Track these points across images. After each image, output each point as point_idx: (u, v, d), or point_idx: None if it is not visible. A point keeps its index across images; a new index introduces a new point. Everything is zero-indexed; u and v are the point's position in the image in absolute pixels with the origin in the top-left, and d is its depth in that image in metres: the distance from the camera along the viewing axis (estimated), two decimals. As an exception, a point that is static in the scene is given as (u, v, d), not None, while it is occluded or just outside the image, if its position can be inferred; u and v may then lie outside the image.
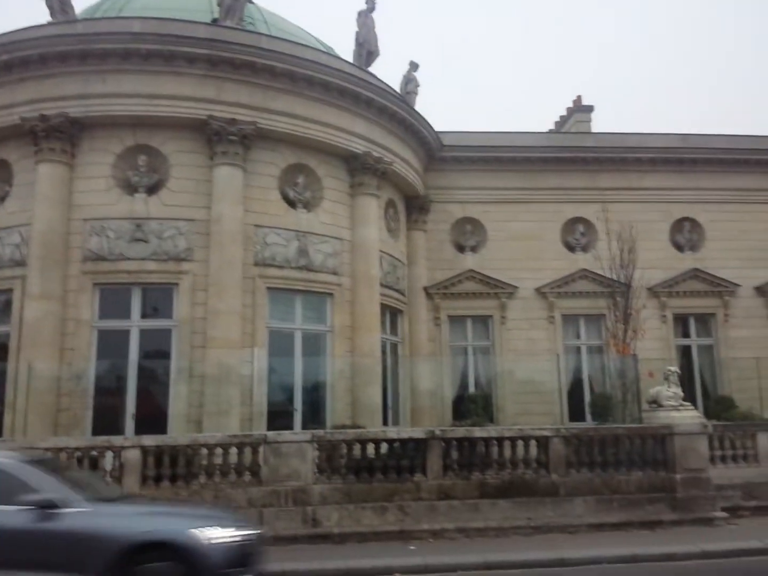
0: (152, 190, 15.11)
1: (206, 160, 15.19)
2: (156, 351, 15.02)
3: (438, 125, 19.41)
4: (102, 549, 6.73)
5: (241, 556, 7.27)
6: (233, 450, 11.52)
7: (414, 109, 18.51)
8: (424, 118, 18.62)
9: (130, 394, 14.31)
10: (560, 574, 9.19)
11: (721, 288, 20.55)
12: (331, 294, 16.27)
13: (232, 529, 7.40)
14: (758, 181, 21.10)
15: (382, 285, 17.21)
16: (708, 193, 20.92)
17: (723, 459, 13.62)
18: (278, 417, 14.92)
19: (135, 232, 14.75)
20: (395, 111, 17.49)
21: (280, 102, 15.66)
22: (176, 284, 14.82)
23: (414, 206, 19.92)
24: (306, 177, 16.32)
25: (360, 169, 16.86)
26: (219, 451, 11.47)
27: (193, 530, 7.06)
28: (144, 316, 14.94)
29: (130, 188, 15.04)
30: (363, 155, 16.75)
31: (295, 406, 15.28)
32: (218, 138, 15.00)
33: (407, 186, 19.08)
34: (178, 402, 14.27)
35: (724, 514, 12.24)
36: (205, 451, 11.50)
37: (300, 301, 15.95)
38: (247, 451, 11.53)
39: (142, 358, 14.67)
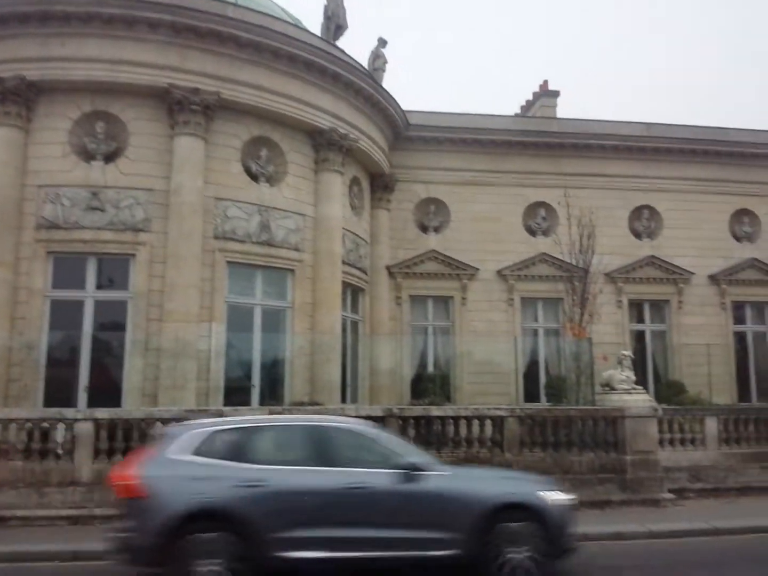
0: (110, 158, 14.71)
1: (167, 130, 14.83)
2: (111, 323, 14.71)
3: (405, 105, 19.31)
4: (467, 509, 7.16)
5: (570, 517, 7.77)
6: (188, 425, 11.38)
7: (381, 86, 18.35)
8: (391, 96, 18.48)
9: (84, 366, 14.02)
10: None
11: (676, 275, 21.02)
12: (292, 270, 16.14)
13: (560, 492, 7.93)
14: (716, 171, 21.54)
15: (344, 263, 17.14)
16: (668, 182, 21.30)
17: (671, 442, 13.99)
18: (236, 393, 14.81)
19: (91, 200, 14.37)
20: (362, 87, 17.30)
21: (245, 73, 15.34)
22: (133, 255, 14.52)
23: (379, 184, 19.83)
24: (270, 151, 16.08)
25: (325, 144, 16.68)
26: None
27: (541, 493, 7.65)
28: (99, 287, 14.61)
29: (87, 155, 14.62)
30: (328, 131, 16.56)
31: (253, 382, 15.18)
32: (180, 107, 14.65)
33: (372, 164, 18.96)
34: (132, 375, 14.04)
35: (671, 496, 12.61)
36: (160, 425, 11.34)
37: (260, 277, 15.78)
38: (203, 426, 11.40)
39: (96, 330, 14.38)
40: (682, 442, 14.14)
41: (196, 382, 14.09)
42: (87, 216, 14.30)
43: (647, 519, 10.96)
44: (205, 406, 13.27)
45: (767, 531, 10.31)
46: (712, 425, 14.28)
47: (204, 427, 7.55)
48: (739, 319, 21.54)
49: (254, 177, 15.85)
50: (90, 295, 14.37)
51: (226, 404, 13.75)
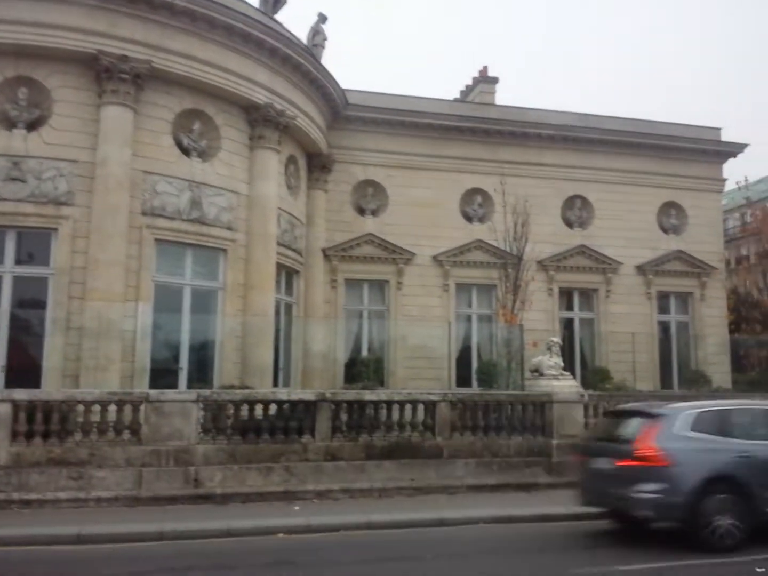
0: (33, 126, 13.97)
1: (94, 99, 14.15)
2: (30, 300, 14.05)
3: (344, 84, 19.02)
4: None
5: None
6: (112, 407, 11.00)
7: (320, 63, 17.98)
8: (329, 73, 18.15)
9: (1, 345, 13.37)
10: (439, 533, 9.42)
11: (605, 265, 21.57)
12: (224, 250, 15.71)
13: None
14: (646, 164, 22.14)
15: (279, 243, 16.80)
16: (600, 173, 21.77)
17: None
18: (162, 375, 14.36)
19: (11, 170, 13.61)
20: (300, 63, 16.92)
21: (179, 42, 14.75)
22: (55, 229, 13.83)
23: (316, 164, 19.51)
24: (202, 124, 15.55)
25: (261, 120, 16.25)
26: (97, 408, 10.91)
27: None
28: (18, 262, 13.90)
29: (8, 123, 13.85)
30: (264, 106, 16.13)
31: (180, 364, 14.74)
32: (108, 75, 13.98)
33: (310, 143, 18.62)
34: (53, 355, 13.42)
35: (594, 478, 12.94)
36: (81, 407, 10.92)
37: (191, 256, 15.29)
38: (128, 409, 11.05)
39: (14, 307, 13.73)
40: (607, 426, 14.49)
41: (120, 363, 13.59)
42: (6, 187, 13.54)
43: (571, 501, 11.19)
44: (130, 389, 12.82)
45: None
46: (635, 410, 14.68)
47: (692, 409, 9.00)
48: (663, 309, 22.32)
49: (186, 151, 15.30)
50: (8, 270, 13.64)
51: (152, 387, 13.29)
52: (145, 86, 14.44)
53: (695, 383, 19.93)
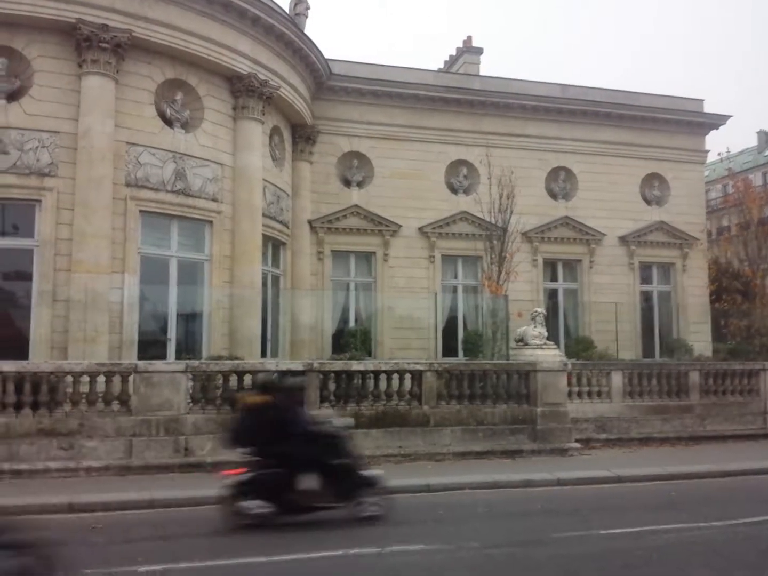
0: (13, 96, 13.76)
1: (75, 68, 13.94)
2: (16, 272, 14.00)
3: (328, 54, 18.83)
4: None
5: None
6: (101, 378, 11.04)
7: (303, 32, 17.78)
8: (313, 43, 17.96)
9: (-13, 317, 13.30)
10: (426, 498, 9.64)
11: (588, 236, 21.75)
12: (210, 221, 15.66)
13: None
14: (629, 136, 22.24)
15: (264, 215, 16.77)
16: (583, 145, 21.84)
17: (579, 395, 14.65)
18: (151, 346, 14.41)
19: (-7, 141, 13.41)
20: (283, 32, 16.73)
21: (159, 11, 14.51)
22: (39, 201, 13.71)
23: (301, 136, 19.40)
24: (185, 95, 15.39)
25: (244, 91, 16.10)
26: (85, 379, 10.95)
27: None
28: (3, 234, 13.82)
29: (-13, 94, 13.58)
30: (248, 76, 15.97)
31: (168, 335, 14.79)
32: (88, 45, 13.75)
33: (294, 113, 18.49)
34: (40, 327, 13.40)
35: (577, 445, 13.26)
36: (70, 378, 10.95)
37: (176, 227, 15.24)
38: (116, 380, 11.11)
39: (0, 280, 13.59)
40: (590, 394, 14.83)
41: (108, 335, 13.60)
42: (-12, 158, 13.35)
43: (555, 467, 11.48)
44: (118, 360, 12.86)
45: (665, 479, 11.02)
46: (617, 379, 15.01)
47: None
48: (646, 279, 22.62)
49: (169, 122, 15.16)
50: (-7, 242, 13.53)
51: (141, 358, 13.36)
52: (126, 56, 14.24)
53: (676, 352, 20.29)
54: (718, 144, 51.27)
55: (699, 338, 21.64)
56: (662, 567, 6.58)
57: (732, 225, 35.79)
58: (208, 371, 11.69)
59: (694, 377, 15.52)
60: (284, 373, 11.25)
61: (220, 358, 13.61)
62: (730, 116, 23.09)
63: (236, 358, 13.64)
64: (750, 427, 15.69)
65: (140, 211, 14.56)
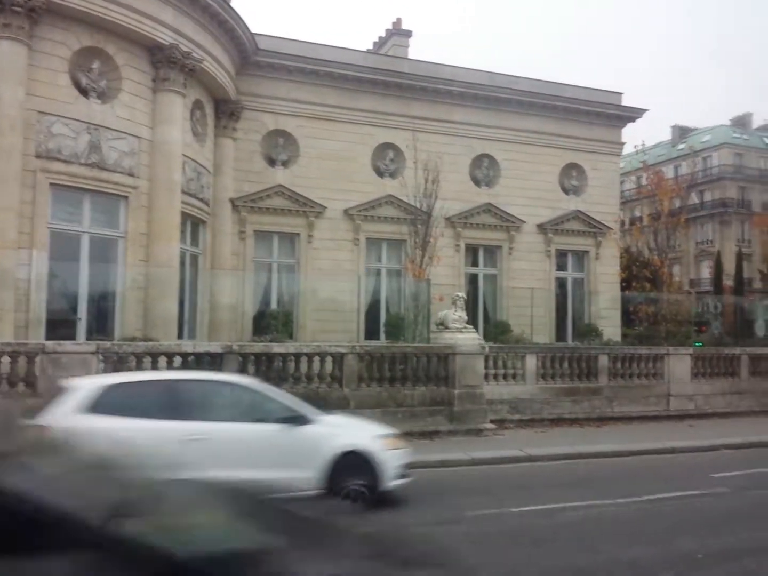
0: None
1: (-18, 31, 13.03)
2: None
3: (255, 29, 18.37)
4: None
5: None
6: (5, 359, 10.53)
7: (229, 5, 17.24)
8: (239, 16, 17.47)
9: None
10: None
11: (509, 223, 22.23)
12: (125, 197, 15.07)
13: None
14: (551, 125, 22.76)
15: (184, 192, 16.27)
16: (507, 133, 22.21)
17: (495, 377, 15.05)
18: (60, 326, 13.78)
19: None
20: (208, 3, 16.19)
21: (76, -27, 13.75)
22: (-61, 171, 12.82)
23: (224, 111, 18.89)
24: (103, 64, 14.70)
25: (165, 62, 15.51)
26: (-12, 359, 10.39)
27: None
28: None
29: None
30: (170, 47, 15.39)
31: (79, 315, 14.19)
32: (0, 8, 12.89)
33: (218, 88, 17.98)
34: (-62, 305, 12.59)
35: (493, 426, 13.65)
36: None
37: (89, 202, 14.59)
38: (22, 360, 10.61)
39: None
40: (505, 377, 15.26)
41: (14, 313, 12.94)
42: None
43: (471, 447, 11.79)
44: (24, 340, 12.26)
45: (574, 458, 11.50)
46: (531, 362, 15.51)
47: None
48: (561, 266, 23.36)
49: (84, 92, 14.45)
50: None
51: (49, 338, 12.76)
52: (40, 21, 13.45)
53: (587, 336, 21.10)
54: (634, 137, 53.28)
55: (609, 323, 22.56)
56: (570, 542, 6.87)
57: (644, 215, 37.36)
58: (121, 353, 11.33)
59: (603, 361, 16.21)
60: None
61: (133, 339, 13.18)
62: (646, 110, 24.01)
63: (151, 340, 13.24)
64: (654, 409, 16.56)
65: (51, 184, 13.85)
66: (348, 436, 8.39)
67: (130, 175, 15.09)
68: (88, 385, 7.71)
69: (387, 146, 20.91)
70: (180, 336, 15.92)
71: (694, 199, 42.75)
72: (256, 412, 8.06)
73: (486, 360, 14.47)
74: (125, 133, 14.99)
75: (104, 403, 7.30)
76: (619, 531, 7.31)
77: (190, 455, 6.45)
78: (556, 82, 23.15)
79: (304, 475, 7.53)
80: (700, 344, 20.78)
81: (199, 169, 17.47)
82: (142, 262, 15.08)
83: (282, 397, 8.47)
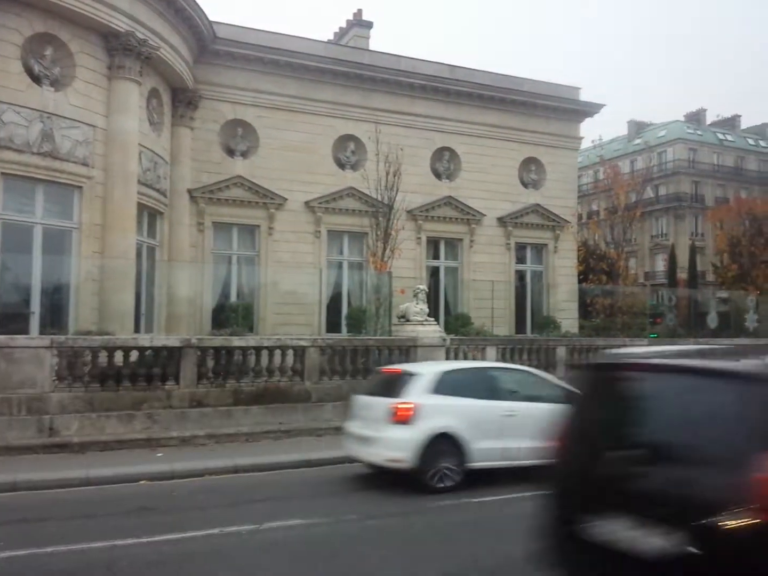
0: None
1: (-75, 13, 12.53)
2: None
3: (213, 16, 18.05)
4: None
5: None
6: (-47, 355, 10.17)
7: (187, -8, 16.92)
8: (197, 3, 17.12)
9: None
10: (305, 473, 9.72)
11: (469, 216, 22.37)
12: (79, 187, 14.68)
13: None
14: (511, 120, 22.96)
15: (140, 182, 15.93)
16: (468, 126, 22.33)
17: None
18: (12, 320, 13.35)
19: None
20: (165, -10, 15.85)
21: (26, -44, 13.30)
22: None
23: (181, 100, 18.53)
24: (56, 51, 14.26)
25: (120, 49, 15.13)
26: (-65, 355, 10.05)
27: None
28: None
29: None
30: (125, 34, 15.01)
31: (31, 308, 13.78)
32: (-57, -13, 12.42)
33: (175, 76, 17.62)
34: None
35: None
36: None
37: (42, 193, 14.18)
38: (-28, 356, 10.26)
39: None
40: (466, 369, 15.32)
41: (-38, 307, 12.53)
42: None
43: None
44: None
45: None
46: (491, 354, 15.63)
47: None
48: (520, 259, 23.63)
49: (37, 79, 14.01)
50: None
51: (1, 333, 12.35)
52: (-11, 4, 12.99)
53: (546, 328, 21.41)
54: (591, 132, 54.22)
55: (567, 315, 22.92)
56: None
57: (601, 209, 38.06)
58: (76, 347, 11.08)
59: (561, 352, 16.47)
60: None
61: (89, 333, 12.86)
62: (603, 105, 24.36)
63: (107, 333, 12.94)
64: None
65: (2, 173, 13.41)
66: None
67: (85, 164, 14.72)
68: (430, 371, 9.29)
69: (348, 138, 20.81)
70: (137, 329, 15.63)
71: (650, 193, 43.65)
72: (540, 392, 9.49)
73: (447, 352, 14.55)
74: (79, 121, 14.60)
75: (443, 386, 8.98)
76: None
77: (507, 428, 8.84)
78: (515, 77, 23.35)
79: None
80: (655, 336, 21.31)
81: (155, 159, 17.12)
82: (97, 254, 14.73)
83: (556, 380, 10.19)
